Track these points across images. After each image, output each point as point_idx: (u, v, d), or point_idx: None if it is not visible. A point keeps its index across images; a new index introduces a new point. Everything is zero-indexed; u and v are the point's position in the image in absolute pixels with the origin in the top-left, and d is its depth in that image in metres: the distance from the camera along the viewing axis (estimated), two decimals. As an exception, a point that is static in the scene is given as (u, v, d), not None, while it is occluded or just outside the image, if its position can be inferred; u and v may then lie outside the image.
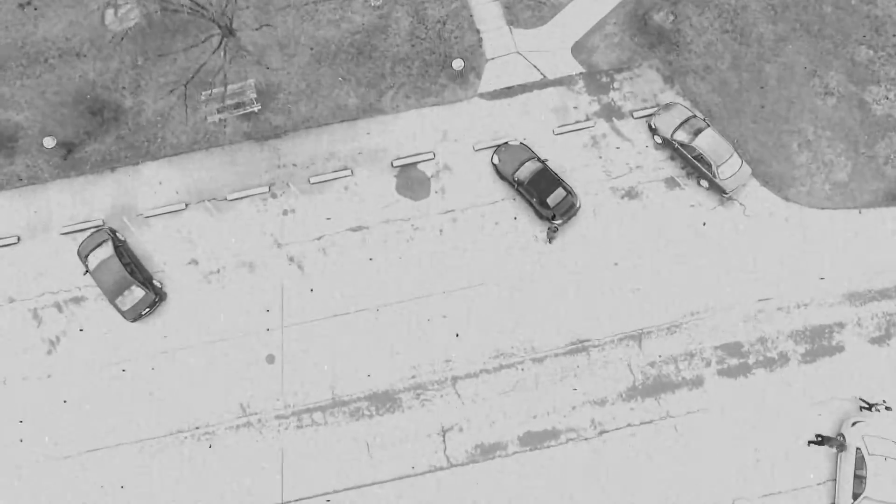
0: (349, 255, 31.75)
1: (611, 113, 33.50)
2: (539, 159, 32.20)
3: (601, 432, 30.26)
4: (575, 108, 33.63)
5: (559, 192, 31.29)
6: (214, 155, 32.89)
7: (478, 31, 34.17)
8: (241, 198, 32.36)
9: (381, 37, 33.96)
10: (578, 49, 34.12)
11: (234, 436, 29.97)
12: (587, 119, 33.46)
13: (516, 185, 31.71)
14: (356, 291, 31.43)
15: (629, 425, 30.32)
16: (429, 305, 31.25)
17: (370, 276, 31.67)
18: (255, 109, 32.93)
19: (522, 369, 30.73)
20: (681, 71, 33.68)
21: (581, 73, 33.65)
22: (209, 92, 32.35)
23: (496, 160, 32.24)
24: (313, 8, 34.21)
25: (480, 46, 34.12)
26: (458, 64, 33.25)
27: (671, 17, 34.32)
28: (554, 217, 31.25)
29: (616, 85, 33.95)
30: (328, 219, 32.18)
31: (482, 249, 31.93)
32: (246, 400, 30.29)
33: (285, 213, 32.20)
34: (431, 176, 32.60)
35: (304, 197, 32.28)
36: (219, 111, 32.91)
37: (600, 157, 33.06)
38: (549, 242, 31.95)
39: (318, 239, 31.96)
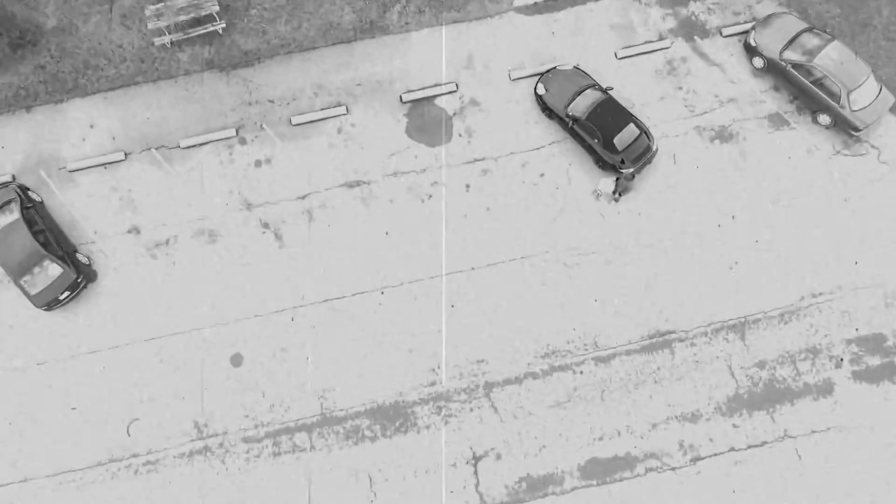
0: (343, 220, 23.07)
1: (692, 30, 24.67)
2: (600, 87, 23.22)
3: (693, 459, 21.29)
4: (644, 24, 24.60)
5: (630, 131, 22.41)
6: (164, 89, 24.30)
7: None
8: (200, 145, 23.61)
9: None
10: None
11: (186, 466, 21.24)
12: (660, 38, 24.59)
13: (570, 123, 22.82)
14: (353, 268, 22.58)
15: (732, 450, 21.37)
16: (452, 287, 22.38)
17: (372, 247, 22.87)
18: (219, 29, 24.29)
19: (582, 372, 21.79)
20: (784, -27, 24.83)
21: (649, -19, 24.87)
22: (157, 6, 23.74)
23: (541, 90, 23.36)
24: None
25: (515, -53, 25.24)
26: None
27: None
28: (622, 165, 22.30)
29: (697, -6, 24.96)
30: (314, 173, 23.20)
31: (523, 211, 23.20)
32: (203, 417, 21.49)
33: (258, 164, 23.42)
34: (454, 114, 23.74)
35: (283, 143, 23.50)
36: (170, 31, 24.19)
37: (680, 88, 24.14)
38: (616, 200, 22.96)
39: (303, 198, 23.22)
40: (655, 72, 24.80)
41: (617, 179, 22.71)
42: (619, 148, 22.82)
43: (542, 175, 23.85)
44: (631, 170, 22.66)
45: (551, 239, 23.27)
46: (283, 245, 23.23)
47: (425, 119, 24.31)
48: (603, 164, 23.53)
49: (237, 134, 24.15)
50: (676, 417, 22.00)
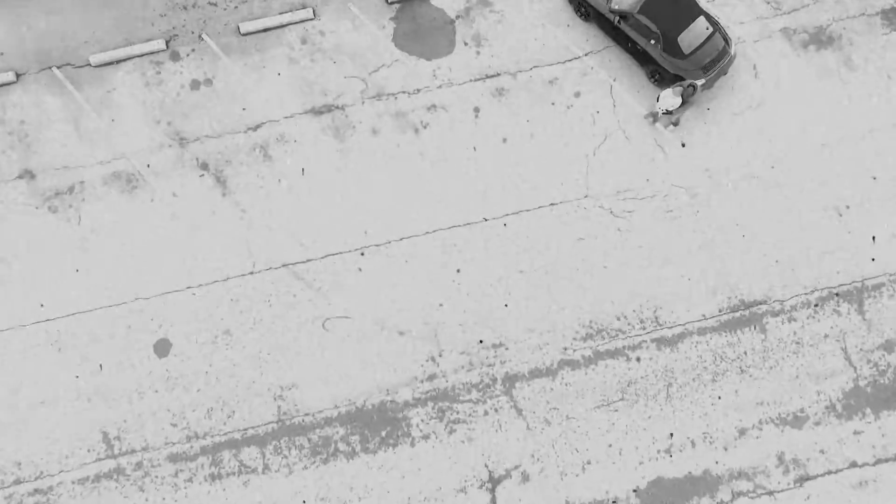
0: (309, 158, 16.96)
1: None
2: None
3: (799, 480, 14.65)
4: None
5: (700, 27, 15.84)
6: None
7: None
8: (118, 62, 17.00)
9: None
10: None
11: (90, 495, 14.63)
12: None
13: (615, 21, 16.16)
14: (322, 222, 16.04)
15: (853, 465, 14.66)
16: (457, 245, 15.83)
17: (348, 193, 16.44)
18: None
19: (639, 359, 15.18)
20: None
21: None
22: None
23: None
24: None
25: None
26: None
27: None
28: (690, 74, 15.72)
29: None
30: (269, 97, 16.64)
31: (551, 143, 16.79)
32: (115, 427, 14.98)
33: (195, 86, 16.89)
34: (457, 17, 17.18)
35: (228, 58, 16.95)
36: None
37: None
38: (675, 125, 16.32)
39: (254, 130, 16.67)
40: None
41: (682, 93, 15.95)
42: (686, 51, 16.15)
43: (576, 95, 17.19)
44: (701, 81, 15.93)
45: (591, 180, 16.58)
46: (226, 192, 16.63)
47: (419, 24, 17.73)
48: (660, 77, 16.86)
49: (168, 47, 17.64)
50: (773, 420, 15.37)
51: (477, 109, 17.48)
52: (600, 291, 16.27)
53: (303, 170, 16.98)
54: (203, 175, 17.14)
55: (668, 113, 16.67)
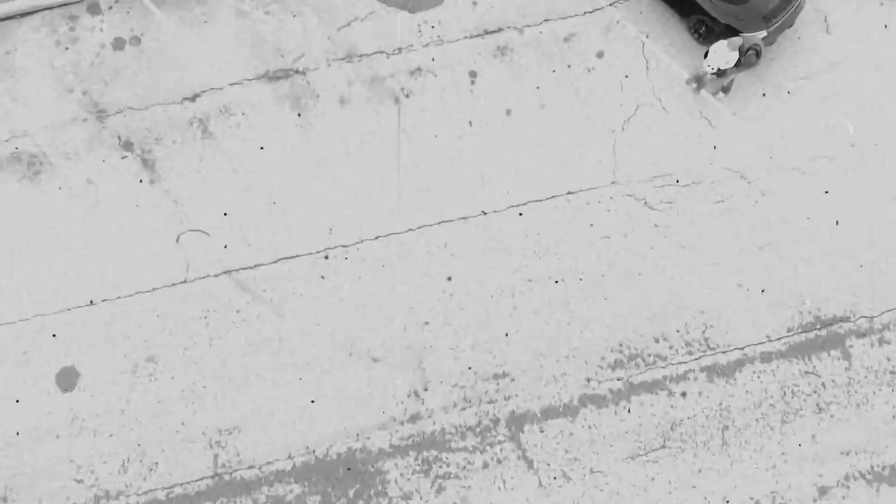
0: (260, 134, 13.33)
1: None
2: None
3: None
4: None
5: None
6: None
7: None
8: (20, 15, 13.13)
9: None
10: None
11: None
12: None
13: None
14: (274, 215, 12.04)
15: None
16: (447, 245, 11.87)
17: (308, 181, 12.57)
18: None
19: (684, 394, 11.24)
20: None
21: None
22: None
23: None
24: None
25: None
26: None
27: None
28: (745, 25, 11.75)
29: None
30: (212, 59, 12.75)
31: (569, 114, 13.13)
32: (2, 484, 10.92)
33: (119, 45, 13.17)
34: None
35: (162, 11, 13.26)
36: None
37: None
38: (725, 90, 12.37)
39: (191, 100, 12.93)
40: None
41: (740, 49, 11.97)
42: None
43: (599, 55, 13.24)
44: (763, 33, 11.96)
45: (619, 162, 12.61)
46: (155, 178, 12.72)
47: None
48: (707, 31, 12.89)
49: None
50: (863, 476, 11.30)
51: (473, 74, 13.55)
52: (633, 305, 12.34)
53: (262, 147, 13.02)
54: (126, 157, 13.24)
55: (719, 75, 12.68)
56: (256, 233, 12.96)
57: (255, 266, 12.83)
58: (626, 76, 13.71)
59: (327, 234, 12.94)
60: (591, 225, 12.87)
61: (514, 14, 14.07)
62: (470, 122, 13.51)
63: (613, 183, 13.19)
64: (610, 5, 14.11)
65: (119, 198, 13.28)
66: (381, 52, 13.87)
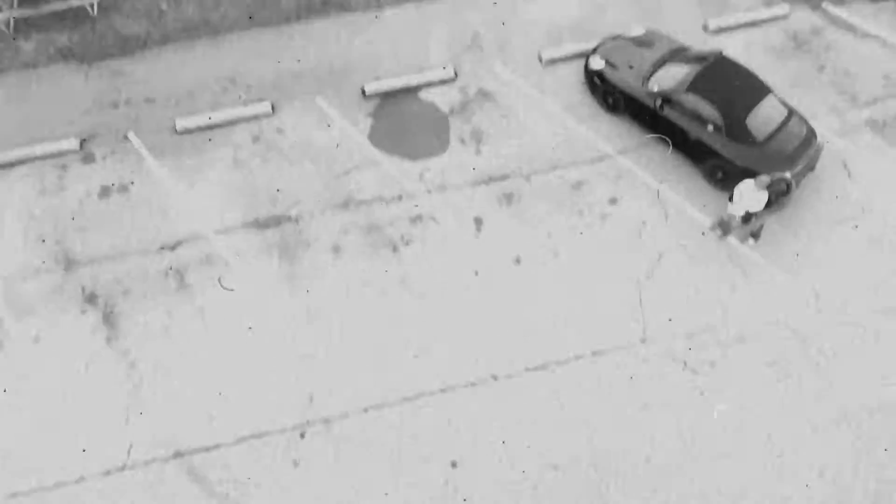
0: (245, 283, 8.34)
1: None
2: (699, 52, 8.64)
3: None
4: None
5: (772, 106, 7.90)
6: None
7: None
8: (11, 164, 8.63)
9: None
10: None
11: None
12: (767, 6, 10.25)
13: (656, 105, 7.79)
14: (244, 387, 6.62)
15: None
16: (452, 420, 6.28)
17: (290, 341, 7.05)
18: (90, 6, 10.25)
19: None
20: None
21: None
22: None
23: (597, 64, 8.70)
24: None
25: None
26: None
27: None
28: (766, 167, 7.29)
29: (808, -43, 11.31)
30: (201, 206, 8.10)
31: (585, 265, 8.34)
32: None
33: (105, 193, 8.71)
34: (451, 111, 9.13)
35: (155, 160, 8.70)
36: (8, 4, 10.33)
37: (822, 69, 9.47)
38: (755, 235, 7.54)
39: (171, 249, 8.02)
40: (773, 48, 10.60)
41: (770, 185, 7.47)
42: (759, 136, 7.93)
43: (612, 201, 8.83)
44: (787, 174, 7.50)
45: (648, 317, 7.62)
46: (113, 336, 7.83)
47: (404, 119, 9.82)
48: (725, 176, 8.57)
49: (81, 147, 9.58)
50: None
51: (479, 221, 9.02)
52: (687, 497, 6.79)
53: (243, 299, 8.15)
54: (86, 311, 8.34)
55: (746, 220, 8.09)
56: (218, 403, 7.77)
57: (214, 447, 7.55)
58: (644, 223, 9.16)
59: (306, 403, 7.74)
60: (624, 390, 7.71)
61: (520, 162, 9.85)
62: (476, 272, 8.77)
63: (644, 341, 8.22)
64: (618, 153, 9.87)
65: (67, 358, 8.22)
66: (381, 199, 9.46)
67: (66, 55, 11.60)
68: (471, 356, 8.18)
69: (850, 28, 11.56)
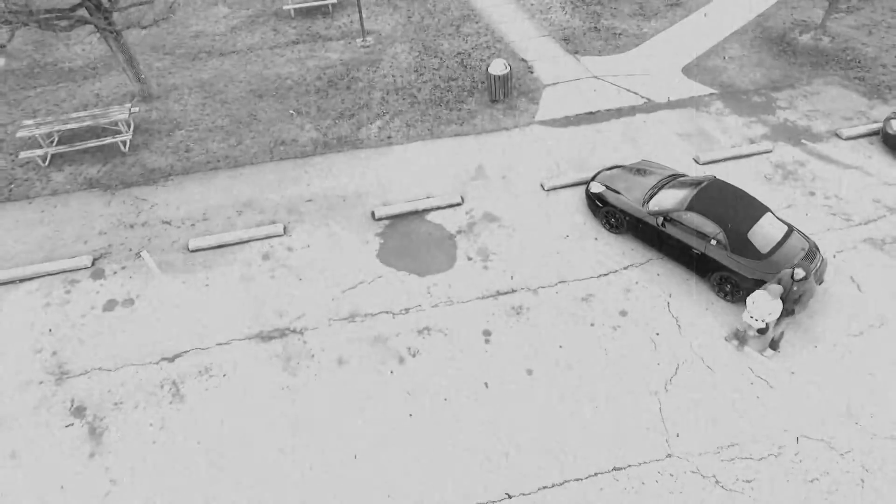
0: (246, 396, 8.84)
1: (794, 134, 12.89)
2: (689, 177, 10.21)
3: None
4: (723, 132, 12.59)
5: (770, 223, 8.86)
6: (6, 210, 11.04)
7: (524, 60, 15.32)
8: (20, 281, 9.45)
9: (370, 68, 15.11)
10: (691, 72, 14.83)
11: None
12: (752, 142, 12.11)
13: (659, 223, 8.91)
14: (244, 500, 6.49)
15: None
16: None
17: (293, 458, 7.24)
18: (122, 142, 12.26)
19: None
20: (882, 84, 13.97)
21: (713, 94, 13.65)
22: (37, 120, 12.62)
23: (598, 188, 10.04)
24: (268, 52, 16.31)
25: (531, 72, 14.76)
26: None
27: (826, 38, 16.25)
28: (773, 273, 8.08)
29: (782, 104, 13.38)
30: (206, 318, 8.73)
31: (601, 377, 9.01)
32: None
33: (110, 307, 9.25)
34: (458, 232, 10.11)
35: (165, 276, 9.59)
36: (45, 143, 12.41)
37: (812, 194, 10.96)
38: (774, 346, 7.97)
39: (170, 361, 8.41)
40: (764, 177, 12.02)
41: (783, 294, 8.02)
42: (763, 249, 8.68)
43: (622, 313, 9.29)
44: (802, 274, 8.11)
45: (671, 431, 7.57)
46: (97, 451, 7.67)
47: (411, 239, 10.71)
48: (731, 289, 9.12)
49: (93, 264, 10.28)
50: None
51: (487, 333, 9.29)
52: None
53: (239, 411, 8.09)
54: (71, 425, 8.23)
55: (763, 331, 8.39)
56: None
57: (192, 577, 6.85)
58: (657, 334, 9.36)
59: (300, 526, 7.23)
60: (655, 513, 7.25)
61: (527, 276, 10.35)
62: (486, 384, 8.77)
63: (669, 456, 7.91)
64: (624, 269, 10.45)
65: (44, 475, 7.88)
66: (387, 312, 9.79)
67: (93, 184, 12.80)
68: (483, 473, 7.84)
69: (832, 160, 12.88)
